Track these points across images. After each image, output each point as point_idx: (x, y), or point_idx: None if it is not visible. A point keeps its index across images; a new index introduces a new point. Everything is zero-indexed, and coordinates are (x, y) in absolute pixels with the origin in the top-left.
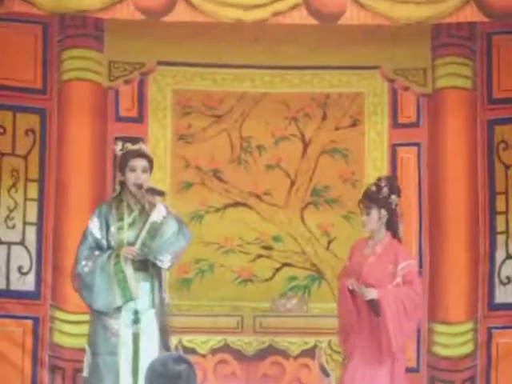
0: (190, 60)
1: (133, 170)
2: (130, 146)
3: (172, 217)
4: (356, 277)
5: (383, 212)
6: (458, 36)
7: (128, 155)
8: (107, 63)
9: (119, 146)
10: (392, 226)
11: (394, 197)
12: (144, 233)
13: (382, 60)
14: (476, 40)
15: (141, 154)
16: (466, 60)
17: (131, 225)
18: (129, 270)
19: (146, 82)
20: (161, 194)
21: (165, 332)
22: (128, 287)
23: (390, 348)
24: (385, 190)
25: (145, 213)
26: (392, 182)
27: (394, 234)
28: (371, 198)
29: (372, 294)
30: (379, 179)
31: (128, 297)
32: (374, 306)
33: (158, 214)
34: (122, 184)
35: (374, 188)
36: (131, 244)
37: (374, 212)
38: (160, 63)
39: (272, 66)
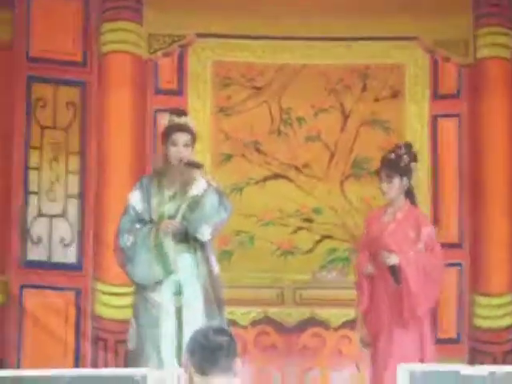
0: (230, 32)
1: (174, 144)
2: (175, 119)
3: (212, 189)
4: (376, 245)
5: (405, 180)
6: (499, 5)
7: (170, 129)
8: (146, 36)
9: (166, 118)
10: (410, 193)
11: (413, 164)
12: (184, 206)
13: (421, 31)
14: None
15: (183, 128)
16: (507, 30)
17: (172, 198)
18: (169, 244)
19: (185, 55)
20: (199, 166)
21: (218, 303)
22: (168, 261)
23: (414, 313)
24: (405, 158)
25: (186, 186)
26: (410, 150)
27: (412, 200)
28: (393, 167)
29: (393, 259)
30: (398, 146)
31: (168, 271)
32: (395, 273)
33: (198, 187)
34: (164, 157)
35: (392, 156)
36: (172, 217)
37: (396, 180)
38: (199, 35)
39: (311, 37)
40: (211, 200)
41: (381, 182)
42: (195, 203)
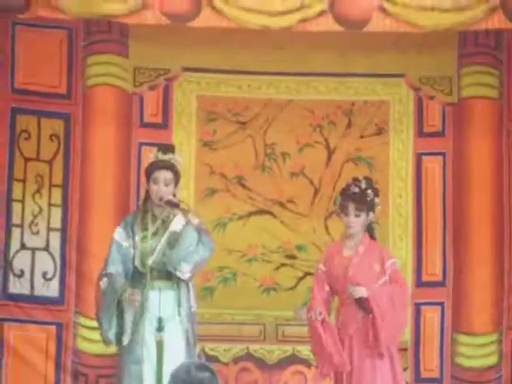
0: (216, 66)
1: (155, 182)
2: (159, 156)
3: (191, 227)
4: (341, 279)
5: (371, 215)
6: (485, 45)
7: (153, 166)
8: (132, 69)
9: (152, 154)
10: (370, 227)
11: (377, 199)
12: (163, 242)
13: (407, 68)
14: (502, 49)
15: (165, 166)
16: (492, 69)
17: (154, 234)
18: (129, 316)
19: (170, 88)
20: (177, 205)
21: (194, 341)
22: (122, 332)
23: (380, 346)
24: (369, 193)
25: (167, 222)
26: (372, 184)
27: (371, 234)
28: (361, 202)
29: (361, 292)
30: (357, 180)
31: (118, 340)
32: (363, 305)
33: (177, 224)
34: (147, 193)
35: (356, 190)
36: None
37: (364, 215)
38: (185, 69)
39: (297, 72)
40: (190, 238)
41: (346, 216)
42: (174, 240)
